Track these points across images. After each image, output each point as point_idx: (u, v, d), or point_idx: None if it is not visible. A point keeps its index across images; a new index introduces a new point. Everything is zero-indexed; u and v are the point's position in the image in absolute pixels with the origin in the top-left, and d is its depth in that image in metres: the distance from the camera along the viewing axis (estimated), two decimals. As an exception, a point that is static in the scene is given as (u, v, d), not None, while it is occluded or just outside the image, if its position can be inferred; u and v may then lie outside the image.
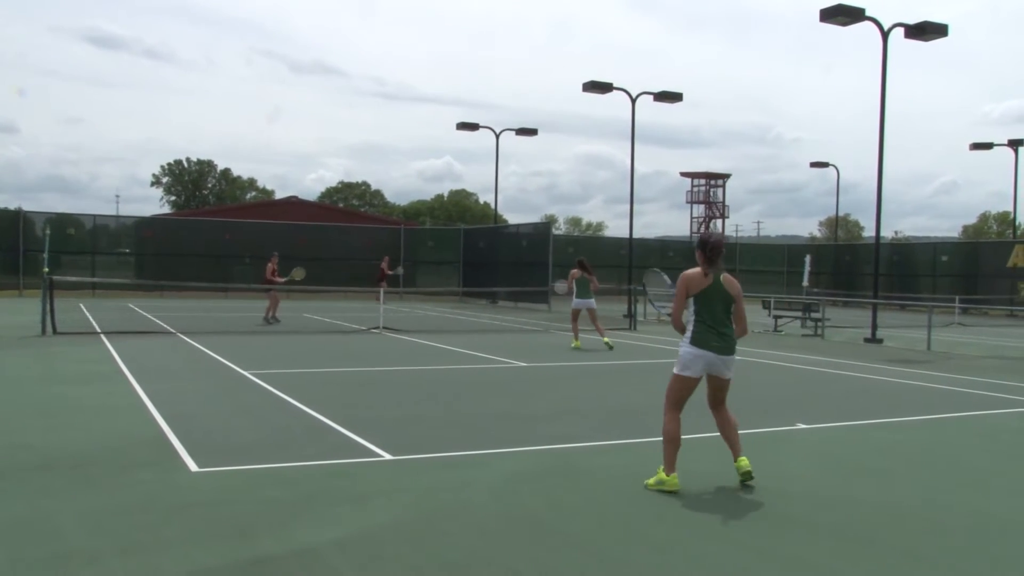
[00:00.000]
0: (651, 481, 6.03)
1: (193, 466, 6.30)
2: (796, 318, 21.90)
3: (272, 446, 7.11)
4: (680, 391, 6.21)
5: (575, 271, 16.71)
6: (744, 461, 6.14)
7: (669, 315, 6.91)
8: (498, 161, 37.15)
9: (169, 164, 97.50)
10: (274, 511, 5.27)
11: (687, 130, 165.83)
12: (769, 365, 14.10)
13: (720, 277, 6.12)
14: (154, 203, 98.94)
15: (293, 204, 49.29)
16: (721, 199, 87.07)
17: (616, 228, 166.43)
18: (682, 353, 6.17)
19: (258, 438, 7.41)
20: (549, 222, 48.44)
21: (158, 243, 35.23)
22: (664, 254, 44.81)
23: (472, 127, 37.05)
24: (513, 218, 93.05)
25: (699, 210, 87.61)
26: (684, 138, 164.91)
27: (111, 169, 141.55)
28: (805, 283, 27.60)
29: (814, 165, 46.16)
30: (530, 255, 31.91)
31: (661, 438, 6.13)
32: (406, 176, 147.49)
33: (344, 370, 12.31)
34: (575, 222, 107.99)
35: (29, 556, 4.45)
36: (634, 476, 6.39)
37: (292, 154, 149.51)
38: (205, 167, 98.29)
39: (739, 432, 6.34)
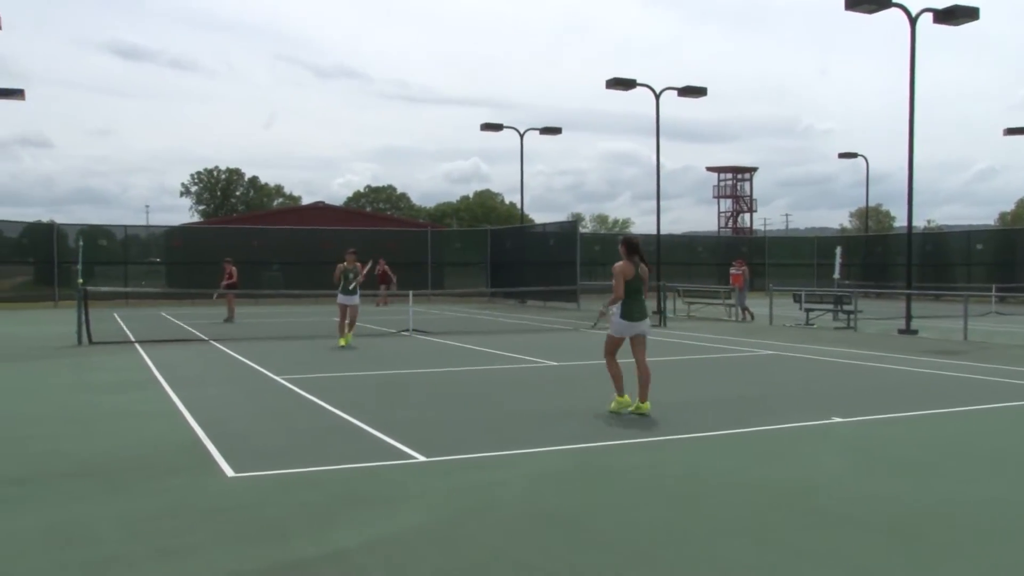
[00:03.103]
0: (612, 406, 8.74)
1: (229, 471, 6.36)
2: (828, 311, 21.69)
3: (305, 449, 7.16)
4: (614, 346, 8.90)
5: (340, 264, 16.21)
6: (647, 406, 8.56)
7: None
8: (523, 161, 37.17)
9: (198, 173, 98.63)
10: (307, 514, 5.31)
11: (713, 124, 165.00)
12: (802, 359, 13.98)
13: (639, 267, 8.71)
14: (183, 212, 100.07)
15: (320, 209, 49.58)
16: (748, 193, 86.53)
17: (643, 225, 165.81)
18: (615, 322, 8.79)
19: (292, 442, 7.47)
20: (575, 220, 48.31)
21: (188, 251, 35.62)
22: (692, 250, 44.60)
23: (496, 128, 37.07)
24: (540, 217, 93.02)
25: (726, 204, 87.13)
26: (710, 132, 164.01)
27: (140, 179, 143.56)
28: (836, 275, 27.30)
29: (843, 156, 45.60)
30: (558, 254, 31.89)
31: (611, 376, 8.89)
32: (432, 178, 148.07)
33: (375, 373, 12.37)
34: (602, 220, 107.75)
35: (67, 561, 4.52)
36: (663, 474, 6.37)
37: (318, 159, 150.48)
38: (233, 175, 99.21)
39: (763, 429, 6.28)
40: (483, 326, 21.94)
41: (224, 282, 23.36)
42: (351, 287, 16.16)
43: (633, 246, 8.77)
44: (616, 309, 8.74)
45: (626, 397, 8.73)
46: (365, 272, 16.65)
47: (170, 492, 5.83)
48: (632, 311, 8.71)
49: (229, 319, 22.92)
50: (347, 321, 16.15)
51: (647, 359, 8.93)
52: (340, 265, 16.25)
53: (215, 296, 23.81)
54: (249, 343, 16.68)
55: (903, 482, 6.15)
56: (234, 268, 23.54)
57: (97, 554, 4.62)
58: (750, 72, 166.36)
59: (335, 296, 16.50)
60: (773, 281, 32.02)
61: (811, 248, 44.58)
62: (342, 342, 16.00)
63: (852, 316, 20.39)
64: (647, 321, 8.90)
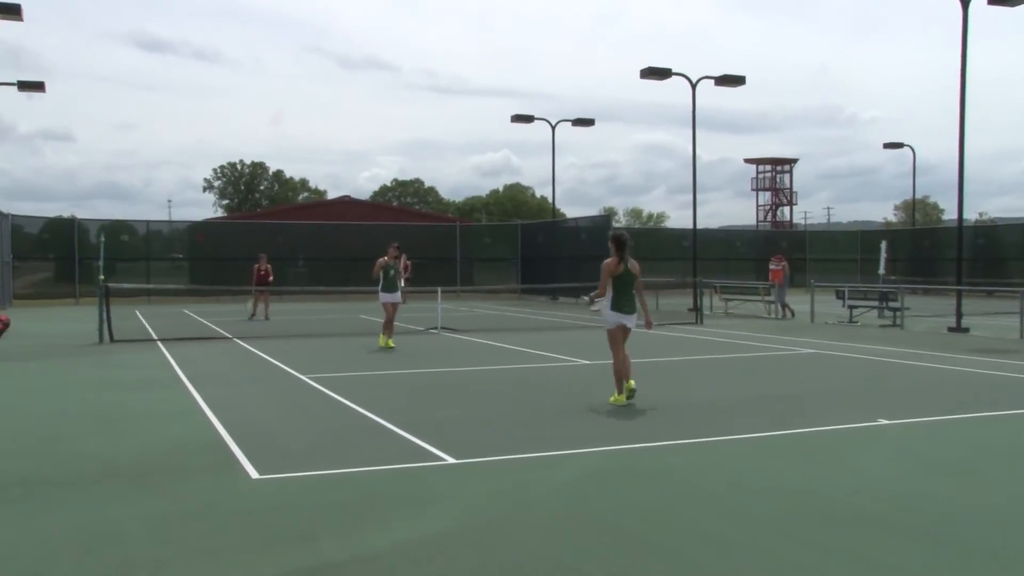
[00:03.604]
0: (611, 399, 9.37)
1: (253, 472, 6.42)
2: (873, 308, 21.46)
3: (332, 451, 7.21)
4: (615, 338, 9.43)
5: (381, 259, 15.54)
6: (632, 383, 9.19)
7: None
8: (555, 153, 37.13)
9: (222, 167, 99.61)
10: (336, 517, 5.35)
11: (751, 115, 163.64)
12: (846, 358, 13.84)
13: (628, 264, 9.34)
14: (207, 207, 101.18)
15: (346, 204, 49.88)
16: (788, 185, 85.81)
17: (679, 219, 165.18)
18: (607, 314, 9.44)
19: (318, 443, 7.53)
20: (608, 214, 48.24)
21: (211, 247, 35.94)
22: (730, 244, 44.28)
23: (527, 119, 37.03)
24: (572, 211, 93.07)
25: (765, 197, 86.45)
26: (749, 123, 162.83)
27: (164, 174, 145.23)
28: (881, 271, 27.04)
29: (888, 146, 45.03)
30: (590, 249, 31.78)
31: (613, 372, 9.48)
32: (462, 172, 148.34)
33: (403, 372, 12.42)
34: (636, 214, 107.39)
35: (95, 563, 4.59)
36: (703, 477, 6.34)
37: (344, 152, 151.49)
38: (258, 169, 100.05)
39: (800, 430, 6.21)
40: (513, 323, 21.94)
41: (268, 280, 23.48)
42: (394, 284, 15.57)
43: (622, 243, 9.41)
44: (607, 302, 9.44)
45: (622, 397, 9.35)
46: (406, 267, 16.16)
47: (196, 494, 5.89)
48: (621, 303, 9.40)
49: (254, 316, 23.07)
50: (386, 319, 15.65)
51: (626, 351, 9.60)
52: (381, 260, 15.62)
53: (254, 293, 23.82)
54: (273, 341, 16.82)
55: (953, 487, 6.06)
56: (269, 266, 23.64)
57: (125, 556, 4.69)
58: (791, 59, 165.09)
59: (362, 292, 16.46)
60: (814, 277, 31.67)
61: (854, 242, 44.10)
62: (382, 342, 15.40)
63: (899, 313, 20.17)
64: (634, 316, 9.56)
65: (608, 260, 9.43)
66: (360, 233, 36.98)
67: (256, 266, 23.57)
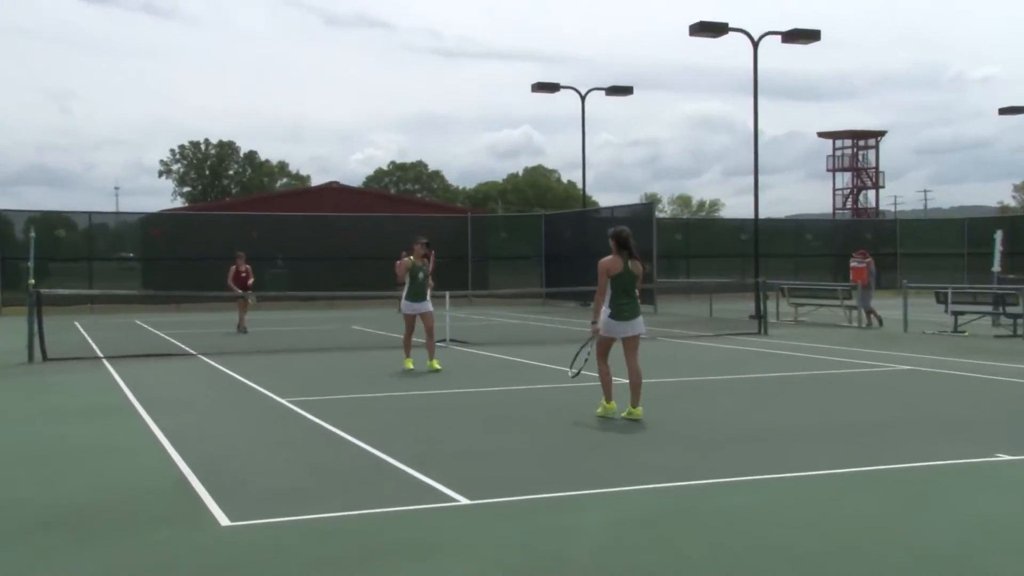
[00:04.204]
0: (599, 411, 10.13)
1: (223, 519, 6.40)
2: (985, 314, 21.27)
3: (320, 491, 7.20)
4: (605, 347, 10.20)
5: (405, 259, 14.89)
6: (639, 411, 9.86)
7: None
8: (585, 129, 37.17)
9: (181, 147, 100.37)
10: (325, 571, 5.32)
11: (828, 78, 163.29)
12: (953, 376, 13.71)
13: (628, 262, 9.92)
14: (164, 196, 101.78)
15: (333, 191, 50.11)
16: (873, 164, 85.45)
17: (736, 207, 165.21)
18: (604, 321, 9.97)
19: (302, 482, 7.51)
20: (651, 202, 48.08)
21: (170, 244, 36.07)
22: (800, 238, 44.12)
23: (551, 88, 37.11)
24: (606, 200, 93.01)
25: (844, 179, 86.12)
26: (824, 88, 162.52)
27: (109, 155, 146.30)
28: (996, 267, 26.76)
29: (1005, 112, 44.27)
30: (629, 244, 31.77)
31: (616, 381, 10.23)
32: (473, 152, 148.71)
33: (405, 394, 12.42)
34: (683, 201, 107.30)
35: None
36: (773, 522, 6.29)
37: (331, 131, 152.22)
38: (226, 150, 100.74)
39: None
40: (536, 334, 21.93)
41: (248, 283, 23.35)
42: (423, 290, 14.75)
43: (623, 240, 9.96)
44: (604, 307, 9.97)
45: (613, 404, 10.05)
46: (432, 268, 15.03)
47: (152, 547, 5.87)
48: (622, 309, 9.94)
49: (242, 328, 22.64)
50: (418, 336, 14.98)
51: (639, 363, 10.13)
52: (405, 260, 14.93)
53: (242, 299, 23.56)
54: (246, 358, 16.86)
55: (1092, 535, 5.96)
56: (248, 267, 23.60)
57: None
58: (876, 7, 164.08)
59: (354, 298, 16.39)
60: (908, 276, 31.46)
61: (959, 233, 43.84)
62: (409, 364, 14.78)
63: (1019, 321, 19.97)
64: (639, 320, 10.15)
65: (605, 258, 9.96)
66: (351, 227, 37.13)
67: (233, 267, 23.46)
